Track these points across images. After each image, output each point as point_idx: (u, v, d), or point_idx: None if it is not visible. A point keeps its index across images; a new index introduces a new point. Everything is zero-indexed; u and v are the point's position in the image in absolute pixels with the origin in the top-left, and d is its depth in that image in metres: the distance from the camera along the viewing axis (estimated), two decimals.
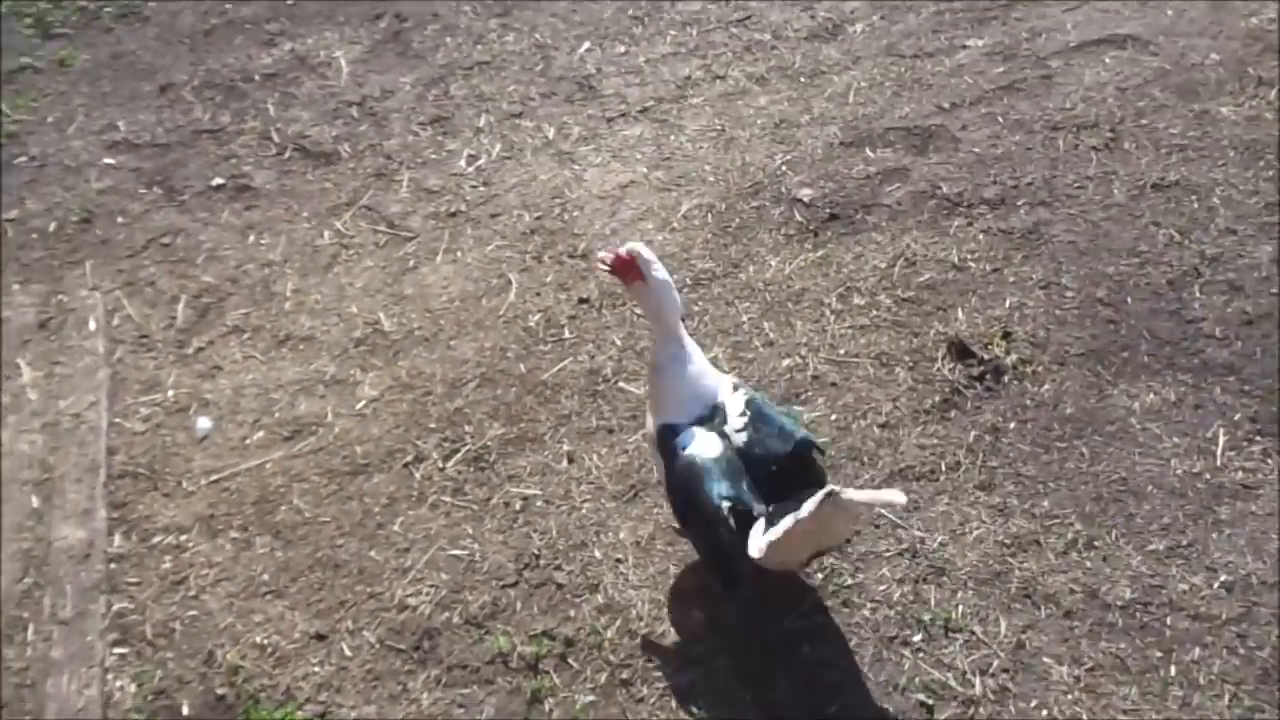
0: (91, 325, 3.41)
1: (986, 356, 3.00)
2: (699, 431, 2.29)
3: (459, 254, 3.68)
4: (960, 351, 3.02)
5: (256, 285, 3.67)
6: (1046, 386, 2.93)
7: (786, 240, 3.55)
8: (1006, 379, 2.96)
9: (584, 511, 2.78)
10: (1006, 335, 3.07)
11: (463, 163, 4.10)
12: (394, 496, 2.90)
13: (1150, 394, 2.88)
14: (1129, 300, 3.16)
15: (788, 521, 2.01)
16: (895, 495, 2.06)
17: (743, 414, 2.30)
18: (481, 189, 3.98)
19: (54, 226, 4.02)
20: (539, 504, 2.83)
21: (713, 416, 2.32)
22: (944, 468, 2.76)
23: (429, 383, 3.22)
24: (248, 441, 3.12)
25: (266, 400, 3.24)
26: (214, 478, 3.02)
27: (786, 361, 3.12)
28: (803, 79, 4.31)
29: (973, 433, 2.84)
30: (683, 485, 2.26)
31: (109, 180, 4.25)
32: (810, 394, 3.02)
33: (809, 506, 1.98)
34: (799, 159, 3.89)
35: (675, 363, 2.35)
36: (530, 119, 4.29)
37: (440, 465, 2.96)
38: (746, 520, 2.15)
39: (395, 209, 3.93)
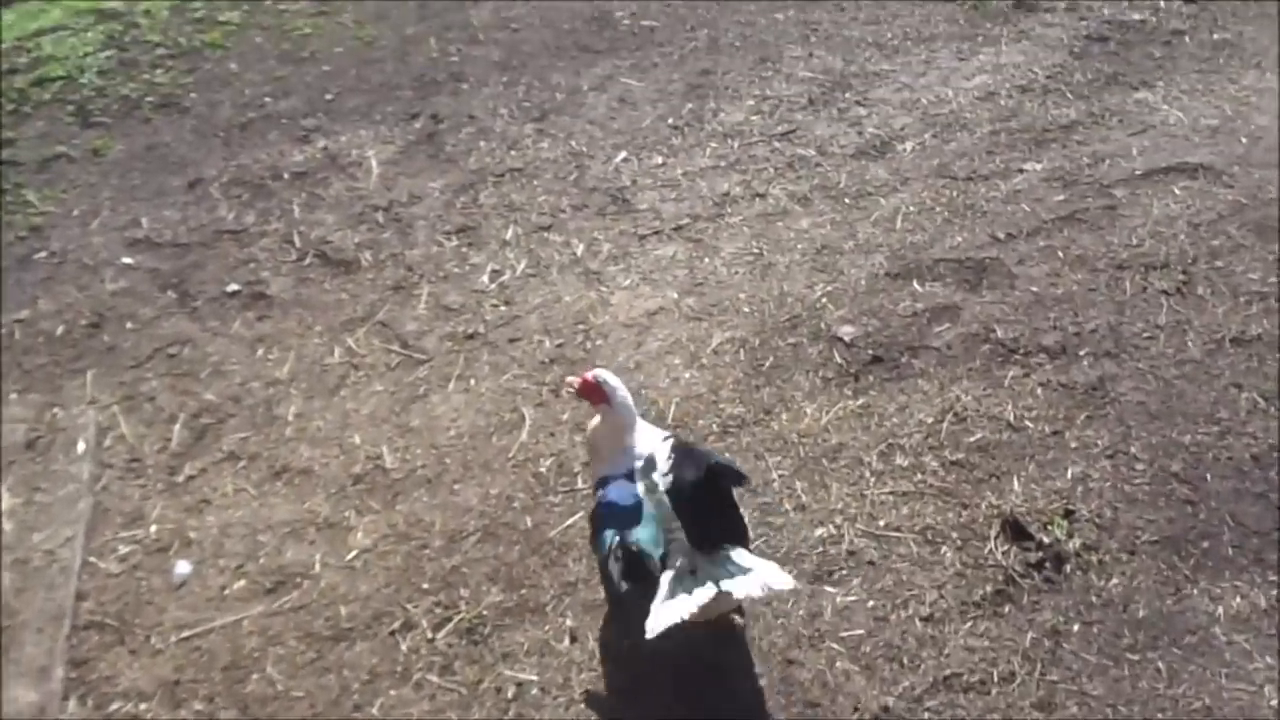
0: (80, 447, 3.15)
1: (1045, 540, 2.62)
2: (621, 481, 2.33)
3: (472, 382, 3.38)
4: (1016, 531, 2.64)
5: (259, 406, 3.40)
6: (1115, 581, 2.54)
7: (824, 384, 3.21)
8: (1068, 569, 2.57)
9: (583, 707, 2.42)
10: (1068, 514, 2.69)
11: (485, 278, 3.83)
12: (376, 671, 2.56)
13: (1236, 596, 2.47)
14: (1208, 477, 2.77)
15: (675, 611, 2.06)
16: (784, 580, 2.13)
17: (669, 457, 2.33)
18: (503, 309, 3.69)
19: (62, 330, 3.80)
20: (534, 691, 2.47)
21: (646, 469, 2.33)
22: (996, 678, 2.37)
23: (426, 533, 2.90)
24: (226, 591, 2.81)
25: (253, 543, 2.94)
26: (186, 634, 2.71)
27: (820, 531, 2.76)
28: (847, 200, 4.00)
29: (1029, 634, 2.45)
30: (591, 530, 2.36)
31: (125, 281, 4.04)
32: (845, 572, 2.65)
33: (699, 601, 2.06)
34: (840, 290, 3.56)
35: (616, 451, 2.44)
36: (559, 232, 4.02)
37: (429, 636, 2.62)
38: (638, 564, 2.17)
39: (411, 327, 3.66)
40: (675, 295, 3.63)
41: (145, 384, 3.53)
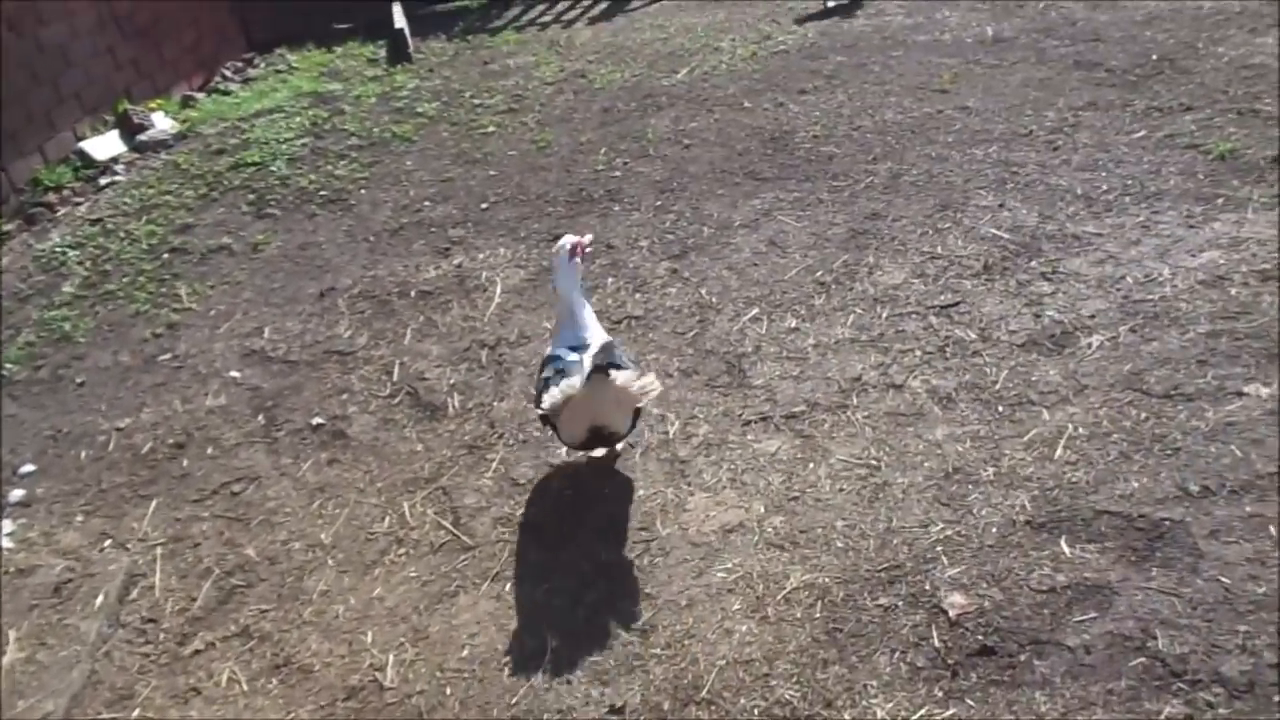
0: (99, 600, 2.93)
1: None
2: (565, 350, 3.04)
3: (507, 587, 2.90)
4: None
5: (290, 574, 3.07)
6: None
7: (910, 676, 2.46)
8: None
9: None
10: None
11: (564, 451, 3.35)
12: None
13: None
14: None
15: (565, 385, 2.73)
16: (653, 383, 2.75)
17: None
18: (568, 494, 3.19)
19: (150, 446, 3.68)
20: None
21: (583, 349, 3.00)
22: None
23: None
24: None
25: None
26: None
27: None
28: (1001, 408, 3.20)
29: None
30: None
31: (224, 398, 3.89)
32: None
33: (581, 377, 2.71)
34: (963, 538, 2.79)
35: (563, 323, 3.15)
36: (659, 402, 3.48)
37: None
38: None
39: (470, 500, 3.23)
40: (762, 509, 2.99)
41: (198, 524, 3.30)
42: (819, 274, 4.02)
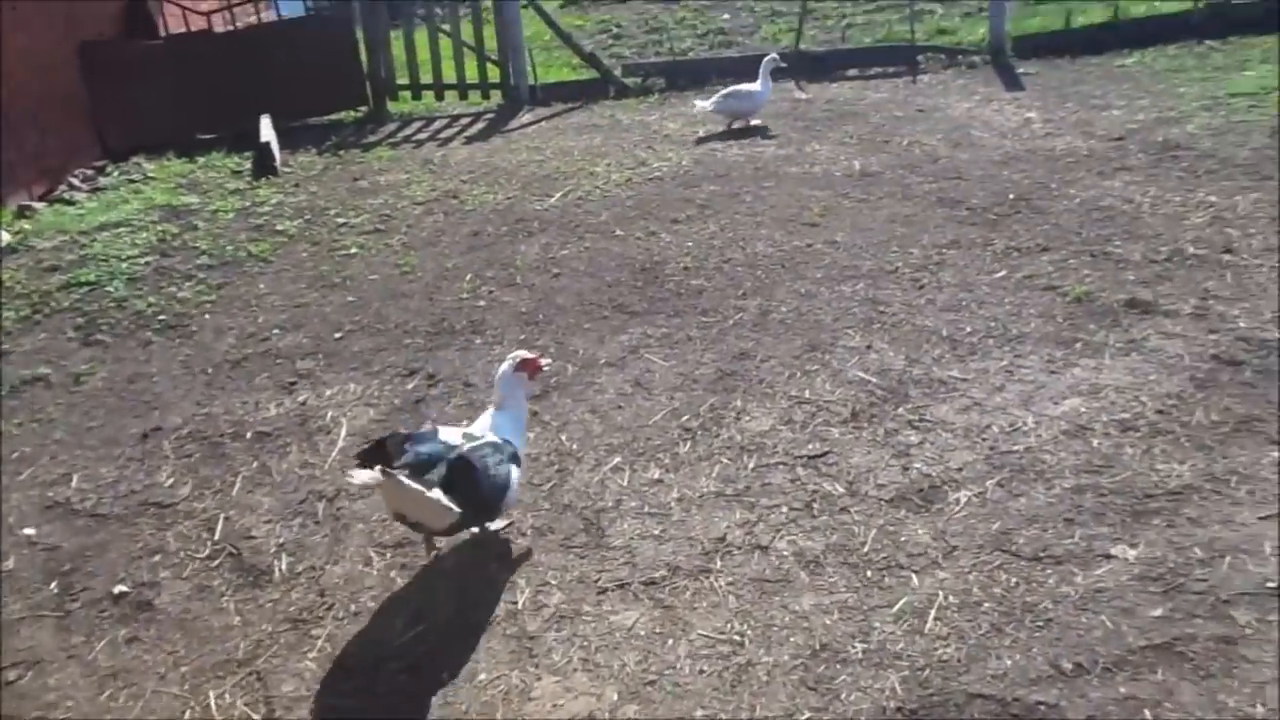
0: None
1: None
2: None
3: None
4: None
5: None
6: None
7: None
8: None
9: None
10: None
11: (400, 622, 2.99)
12: None
13: None
14: None
15: (364, 473, 2.71)
16: (445, 502, 2.77)
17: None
18: (402, 678, 2.83)
19: None
20: None
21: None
22: None
23: None
24: None
25: None
26: None
27: None
28: (870, 573, 3.01)
29: None
30: None
31: (13, 561, 3.39)
32: None
33: (373, 470, 2.69)
34: None
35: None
36: (509, 566, 3.17)
37: None
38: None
39: (289, 687, 2.82)
40: (615, 696, 2.68)
41: None
42: (685, 418, 3.82)
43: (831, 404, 3.84)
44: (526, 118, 8.57)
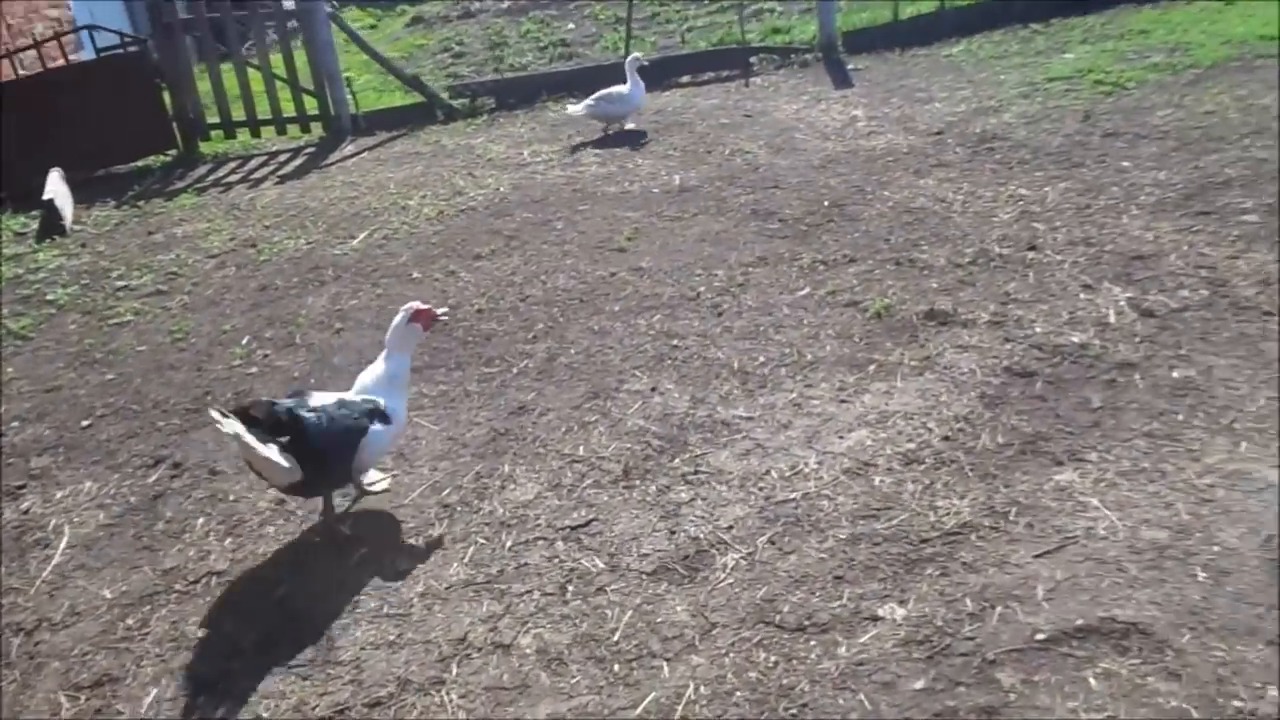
0: None
1: None
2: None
3: None
4: None
5: None
6: None
7: None
8: None
9: None
10: None
11: None
12: None
13: None
14: None
15: (229, 423, 2.79)
16: (279, 460, 2.83)
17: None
18: None
19: None
20: None
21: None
22: None
23: None
24: None
25: None
26: None
27: None
28: (617, 667, 2.68)
29: None
30: None
31: None
32: None
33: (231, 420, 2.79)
34: None
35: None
36: (220, 699, 2.76)
37: None
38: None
39: None
40: None
41: None
42: (446, 492, 3.45)
43: (605, 460, 3.51)
44: (349, 149, 8.09)
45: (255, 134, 8.38)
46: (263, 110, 8.24)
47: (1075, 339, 3.90)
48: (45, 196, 6.75)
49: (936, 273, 4.59)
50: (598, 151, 7.10)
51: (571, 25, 11.75)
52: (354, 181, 7.18)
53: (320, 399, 3.07)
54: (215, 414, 2.79)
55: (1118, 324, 3.98)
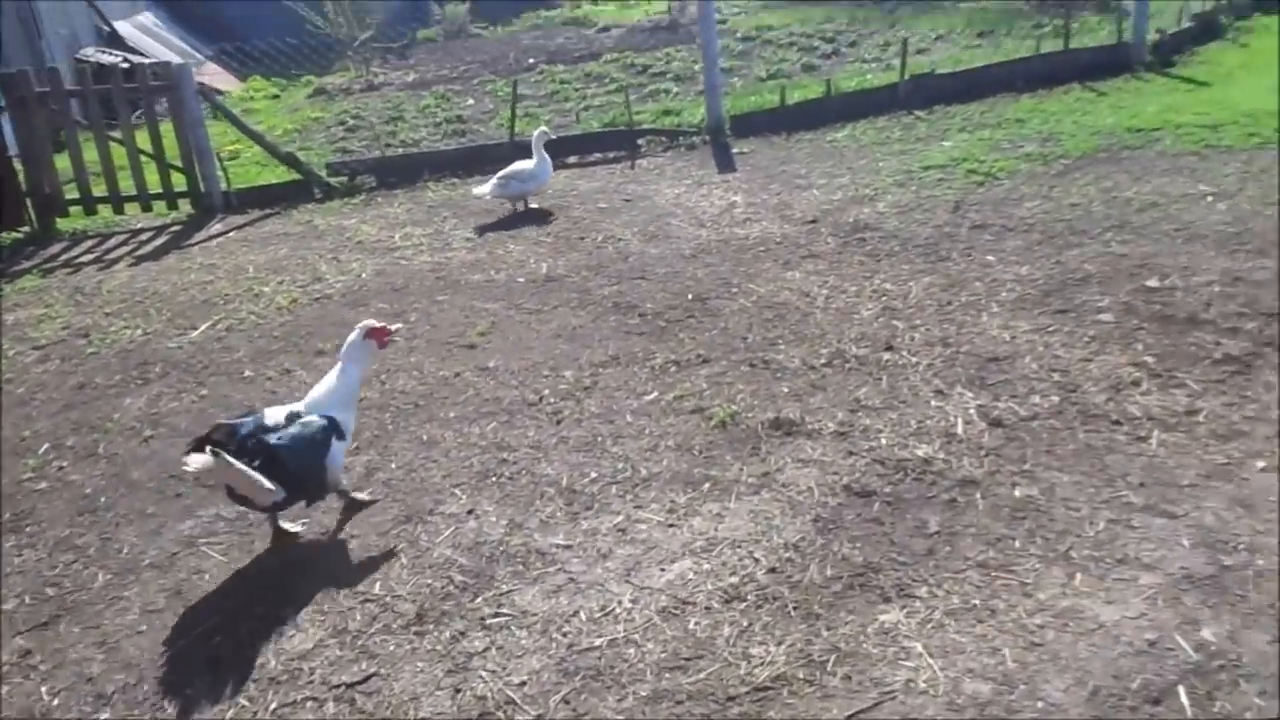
0: None
1: None
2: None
3: None
4: None
5: None
6: None
7: None
8: None
9: None
10: None
11: None
12: None
13: None
14: None
15: (199, 458, 2.95)
16: (264, 482, 3.00)
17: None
18: None
19: None
20: None
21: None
22: None
23: None
24: None
25: None
26: None
27: None
28: None
29: None
30: None
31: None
32: None
33: (205, 453, 2.94)
34: None
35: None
36: None
37: None
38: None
39: None
40: None
41: None
42: (215, 640, 3.05)
43: (399, 600, 3.15)
44: (216, 228, 7.70)
45: (119, 210, 7.94)
46: (127, 186, 7.82)
47: (920, 452, 3.69)
48: None
49: (789, 375, 4.37)
50: (469, 237, 6.84)
51: (471, 101, 11.58)
52: (213, 264, 6.78)
53: (273, 416, 3.23)
54: (189, 460, 2.98)
55: (964, 435, 3.78)
